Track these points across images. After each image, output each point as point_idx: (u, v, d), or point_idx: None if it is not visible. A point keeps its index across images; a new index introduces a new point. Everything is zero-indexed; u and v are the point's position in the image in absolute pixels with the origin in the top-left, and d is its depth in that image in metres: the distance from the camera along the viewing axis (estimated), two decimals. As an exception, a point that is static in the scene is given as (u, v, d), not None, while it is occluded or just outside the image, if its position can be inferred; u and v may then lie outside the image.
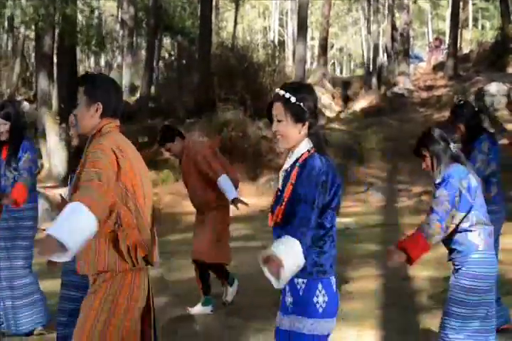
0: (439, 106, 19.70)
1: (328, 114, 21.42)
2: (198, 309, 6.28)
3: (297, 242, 2.80)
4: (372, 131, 17.77)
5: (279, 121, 3.02)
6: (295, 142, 3.03)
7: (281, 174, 3.09)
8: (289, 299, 2.99)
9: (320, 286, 2.93)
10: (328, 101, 22.97)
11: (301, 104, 2.99)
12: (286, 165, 3.07)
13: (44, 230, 5.96)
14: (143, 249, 3.15)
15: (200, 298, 6.39)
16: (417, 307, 6.26)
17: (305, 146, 3.03)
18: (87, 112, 3.26)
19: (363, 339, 5.42)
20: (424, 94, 21.92)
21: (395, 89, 22.27)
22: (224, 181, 6.22)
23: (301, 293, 2.94)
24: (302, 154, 3.01)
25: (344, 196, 13.92)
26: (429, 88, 22.54)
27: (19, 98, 25.70)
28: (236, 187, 6.54)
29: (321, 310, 2.92)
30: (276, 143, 3.13)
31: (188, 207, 6.84)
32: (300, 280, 2.94)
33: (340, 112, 22.32)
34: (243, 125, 16.22)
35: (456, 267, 3.95)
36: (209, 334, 5.76)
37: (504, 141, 15.01)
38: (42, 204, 11.45)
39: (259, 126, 15.79)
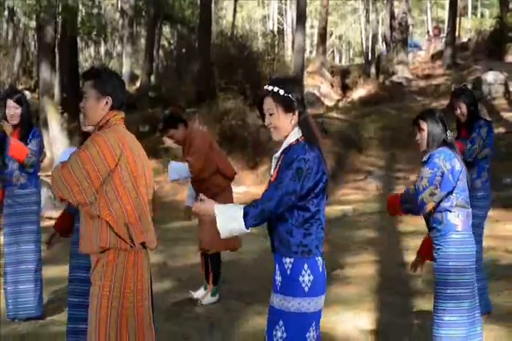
0: (437, 95, 19.81)
1: (327, 102, 21.53)
2: (207, 299, 6.33)
3: (241, 210, 3.08)
4: (370, 119, 17.89)
5: (270, 114, 3.25)
6: (287, 133, 3.25)
7: (273, 161, 3.31)
8: (278, 278, 3.20)
9: (306, 266, 3.14)
10: (327, 90, 23.08)
11: (290, 95, 3.22)
12: (277, 154, 3.28)
13: (48, 218, 6.09)
14: (142, 234, 3.33)
15: (202, 283, 6.57)
16: (412, 291, 6.46)
17: (294, 136, 3.24)
18: (97, 105, 3.39)
19: (360, 321, 5.62)
20: (423, 83, 22.02)
21: (394, 78, 22.38)
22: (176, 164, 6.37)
23: (288, 272, 3.15)
24: (291, 143, 3.23)
25: (343, 184, 14.13)
26: (428, 77, 22.65)
27: (20, 87, 25.78)
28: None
29: (306, 289, 3.13)
30: (271, 135, 3.32)
31: (189, 194, 6.97)
32: (288, 259, 3.15)
33: (339, 101, 22.43)
34: (243, 114, 16.33)
35: (437, 247, 4.12)
36: (210, 316, 5.94)
37: (501, 130, 15.23)
38: (45, 192, 11.63)
39: (259, 115, 15.90)
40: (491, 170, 5.67)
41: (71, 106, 17.99)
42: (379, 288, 6.64)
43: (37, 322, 5.76)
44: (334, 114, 19.06)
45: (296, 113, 3.23)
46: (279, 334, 3.15)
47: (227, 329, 5.57)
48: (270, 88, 3.24)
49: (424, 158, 4.15)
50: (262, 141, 15.27)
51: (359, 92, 22.26)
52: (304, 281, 3.14)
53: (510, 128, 15.54)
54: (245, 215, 3.07)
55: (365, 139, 16.58)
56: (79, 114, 4.84)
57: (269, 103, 3.24)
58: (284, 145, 3.25)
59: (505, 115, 16.68)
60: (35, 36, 25.54)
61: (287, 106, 3.21)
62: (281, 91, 3.21)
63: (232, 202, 6.64)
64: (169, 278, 7.25)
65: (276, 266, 3.23)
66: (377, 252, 8.22)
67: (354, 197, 13.26)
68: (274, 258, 3.26)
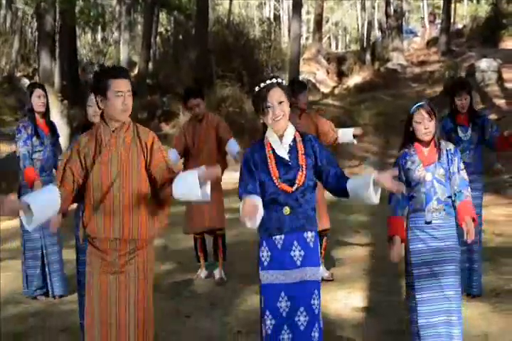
0: (431, 81, 20.00)
1: (323, 89, 21.69)
2: (222, 273, 6.69)
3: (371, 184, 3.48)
4: (365, 106, 18.09)
5: (280, 102, 3.53)
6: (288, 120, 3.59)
7: (286, 148, 3.59)
8: (297, 253, 3.50)
9: (318, 238, 3.56)
10: (322, 76, 23.23)
11: (286, 85, 3.61)
12: (290, 142, 3.59)
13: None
14: None
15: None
16: (401, 272, 6.69)
17: (292, 127, 3.62)
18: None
19: (353, 299, 5.94)
20: (417, 70, 22.17)
21: (389, 65, 22.51)
22: (234, 143, 6.54)
23: (311, 245, 3.50)
24: (294, 132, 3.61)
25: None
26: (422, 63, 22.78)
27: (18, 74, 25.84)
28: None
29: (320, 257, 3.55)
30: (277, 123, 3.58)
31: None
32: (309, 234, 3.51)
33: (334, 88, 22.59)
34: (240, 101, 16.55)
35: (450, 228, 4.31)
36: (210, 296, 6.23)
37: (493, 117, 15.48)
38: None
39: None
40: (483, 157, 6.02)
41: (71, 94, 18.17)
42: (370, 269, 6.95)
43: (46, 301, 6.06)
44: (330, 101, 19.25)
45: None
46: (316, 302, 3.48)
47: (227, 307, 5.87)
48: (275, 80, 3.55)
49: (452, 150, 4.34)
50: (259, 128, 15.42)
51: (354, 79, 22.41)
52: (319, 251, 3.56)
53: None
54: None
55: (360, 126, 16.72)
56: (82, 104, 4.96)
57: (278, 92, 3.52)
58: (290, 134, 3.58)
59: (498, 102, 16.90)
60: (34, 23, 25.62)
61: (289, 94, 3.57)
62: (284, 81, 3.58)
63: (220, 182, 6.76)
64: (170, 261, 7.53)
65: (295, 243, 3.51)
66: (369, 235, 8.52)
67: (349, 182, 13.48)
68: (287, 238, 3.53)
